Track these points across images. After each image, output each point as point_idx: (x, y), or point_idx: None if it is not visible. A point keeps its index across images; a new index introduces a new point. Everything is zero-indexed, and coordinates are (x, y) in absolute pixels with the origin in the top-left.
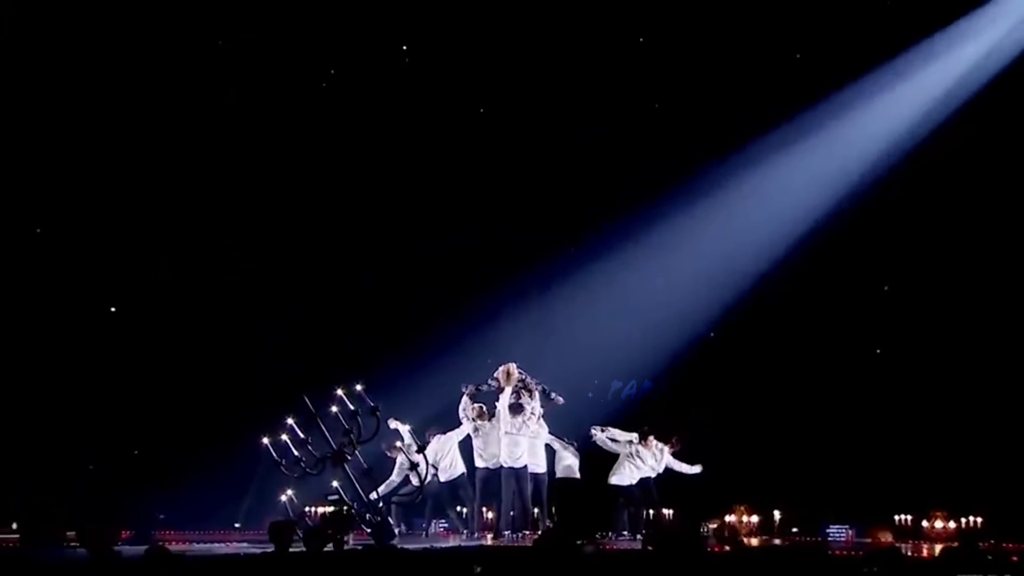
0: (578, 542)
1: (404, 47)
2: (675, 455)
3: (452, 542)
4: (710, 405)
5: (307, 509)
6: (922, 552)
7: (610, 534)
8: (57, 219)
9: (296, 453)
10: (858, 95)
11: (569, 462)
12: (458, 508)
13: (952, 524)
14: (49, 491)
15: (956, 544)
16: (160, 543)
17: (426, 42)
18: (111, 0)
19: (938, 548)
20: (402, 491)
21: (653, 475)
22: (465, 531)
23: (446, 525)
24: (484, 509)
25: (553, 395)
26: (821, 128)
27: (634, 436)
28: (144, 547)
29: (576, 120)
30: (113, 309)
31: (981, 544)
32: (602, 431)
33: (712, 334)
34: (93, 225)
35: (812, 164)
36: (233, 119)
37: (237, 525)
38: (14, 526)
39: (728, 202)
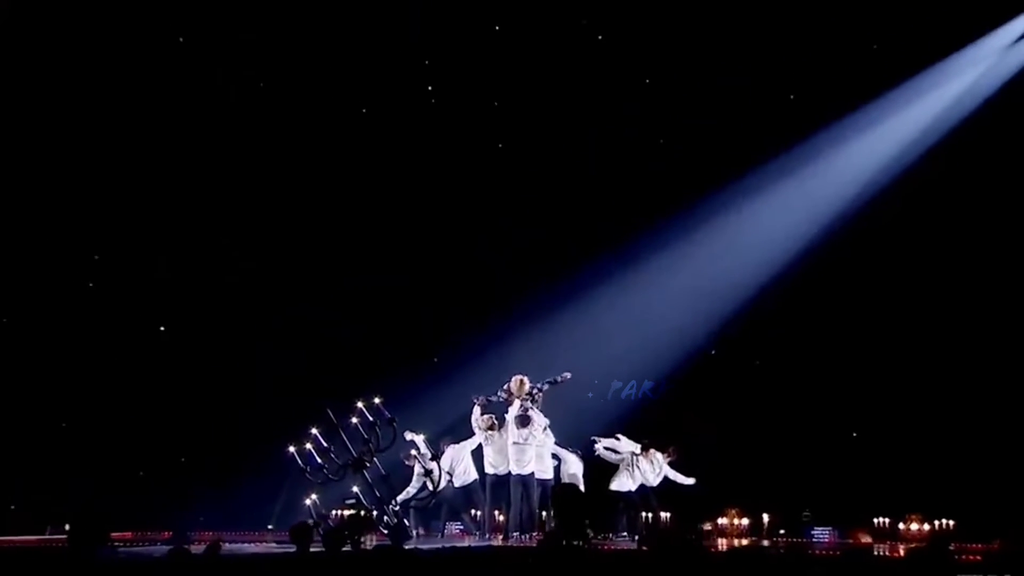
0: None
1: (430, 87)
2: (672, 464)
3: (465, 543)
4: (707, 415)
5: (332, 512)
6: (897, 552)
7: (610, 536)
8: (114, 240)
9: (320, 461)
10: (848, 129)
11: (574, 470)
12: (472, 511)
13: (927, 526)
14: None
15: (924, 545)
16: (194, 543)
17: (444, 72)
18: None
19: (907, 549)
20: (418, 496)
21: (650, 484)
22: (477, 533)
23: (461, 527)
24: (496, 512)
25: (559, 378)
26: (813, 159)
27: (637, 447)
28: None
29: (589, 154)
30: (162, 328)
31: (952, 546)
32: (600, 442)
33: (713, 351)
34: (148, 246)
35: (804, 193)
36: (252, 128)
37: (270, 527)
38: (66, 527)
39: (726, 228)
